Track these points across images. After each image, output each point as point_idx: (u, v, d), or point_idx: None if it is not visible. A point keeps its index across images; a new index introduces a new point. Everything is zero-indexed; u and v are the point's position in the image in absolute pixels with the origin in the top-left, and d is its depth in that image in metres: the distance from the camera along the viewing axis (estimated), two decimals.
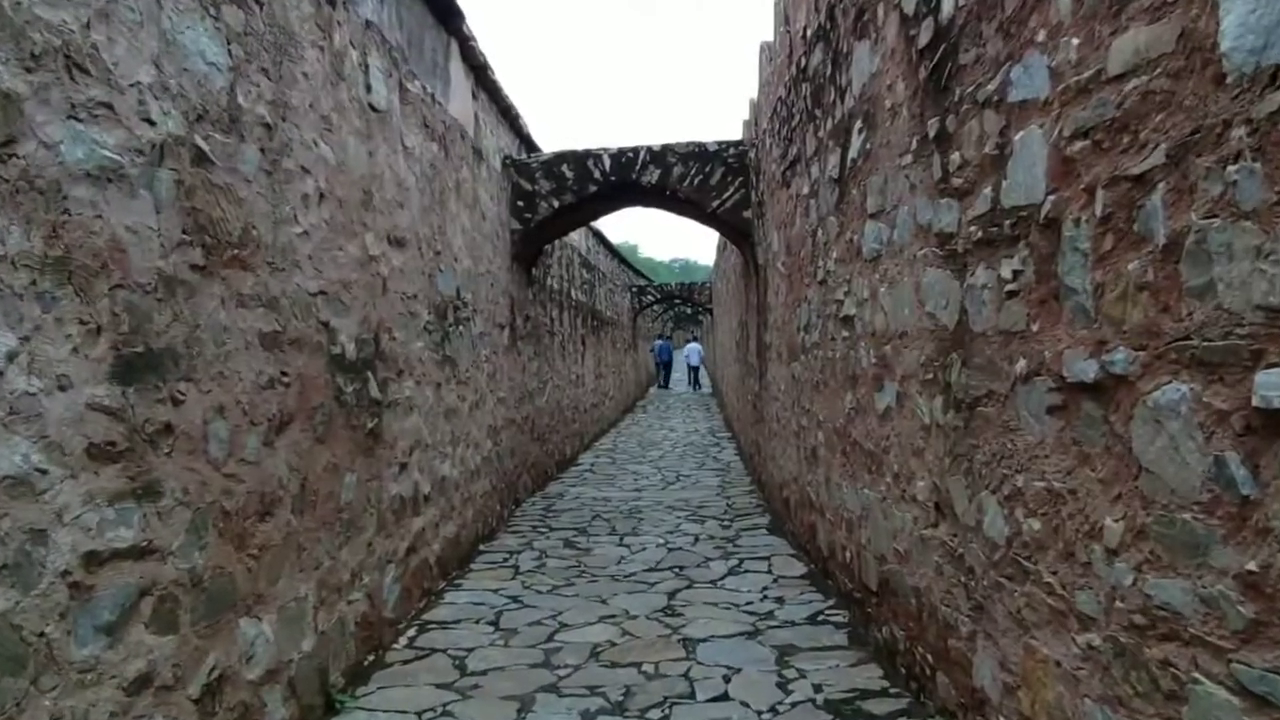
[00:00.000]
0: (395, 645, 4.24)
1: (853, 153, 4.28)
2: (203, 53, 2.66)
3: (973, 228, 2.74)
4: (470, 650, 4.17)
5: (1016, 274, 2.45)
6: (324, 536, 3.49)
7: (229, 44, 2.83)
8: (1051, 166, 2.26)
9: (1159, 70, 1.85)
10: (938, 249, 3.08)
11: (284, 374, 3.18)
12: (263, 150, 3.11)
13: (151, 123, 2.39)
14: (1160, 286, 1.83)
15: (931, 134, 3.12)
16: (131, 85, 2.29)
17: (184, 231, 2.58)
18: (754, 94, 8.63)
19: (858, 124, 4.18)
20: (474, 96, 7.29)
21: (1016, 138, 2.45)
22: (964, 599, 2.91)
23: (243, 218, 2.94)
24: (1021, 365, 2.41)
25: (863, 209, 4.09)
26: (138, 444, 2.28)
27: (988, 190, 2.64)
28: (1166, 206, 1.82)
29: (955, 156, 2.89)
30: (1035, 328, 2.35)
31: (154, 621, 2.33)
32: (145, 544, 2.30)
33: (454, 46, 6.51)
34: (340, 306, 3.76)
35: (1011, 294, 2.48)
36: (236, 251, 2.89)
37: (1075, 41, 2.15)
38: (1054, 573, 2.29)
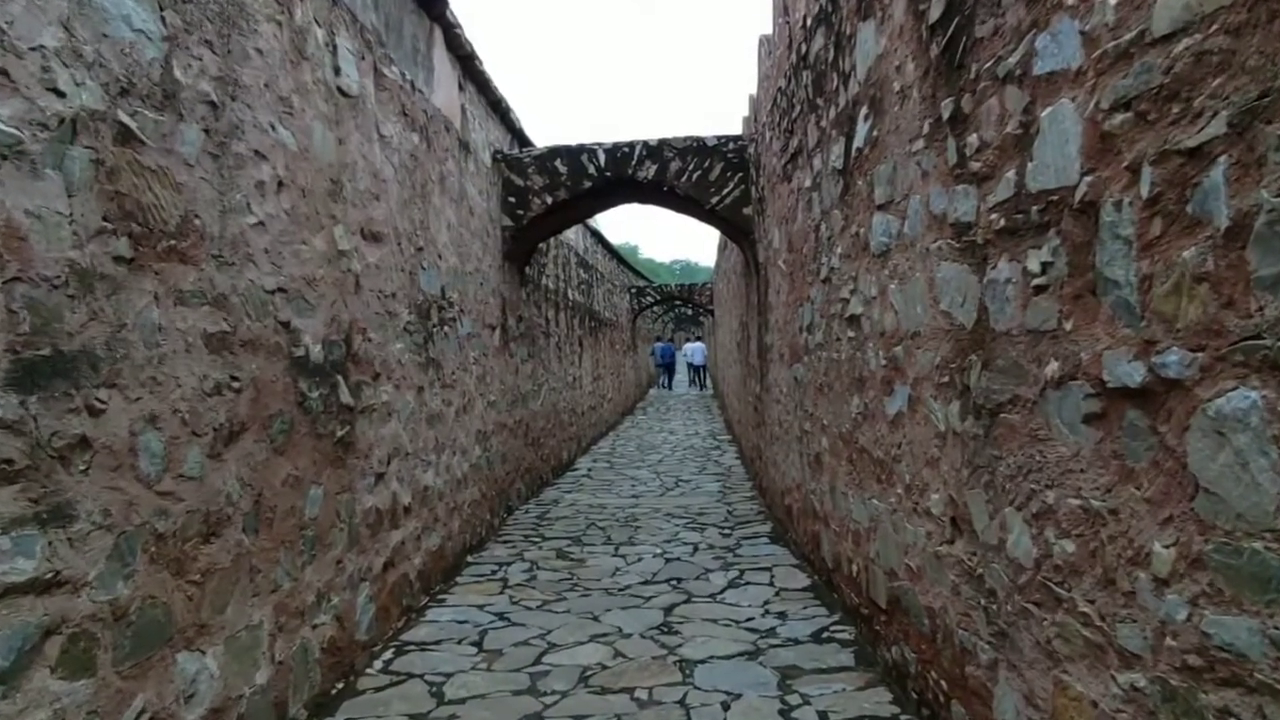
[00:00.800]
0: (369, 670, 3.95)
1: (858, 141, 3.99)
2: (127, 18, 2.38)
3: (994, 216, 2.45)
4: (450, 675, 3.88)
5: (1046, 266, 2.16)
6: (284, 556, 3.20)
7: (161, 10, 2.55)
8: (1087, 144, 1.97)
9: (1215, 27, 1.57)
10: (953, 241, 2.80)
11: (234, 379, 2.90)
12: (207, 131, 2.82)
13: (60, 94, 2.10)
14: (1222, 277, 1.55)
15: (945, 116, 2.84)
16: (33, 49, 2.01)
17: (105, 219, 2.29)
18: (753, 90, 8.37)
19: (863, 110, 3.89)
20: (460, 87, 7.02)
21: (1044, 114, 2.16)
22: (984, 624, 2.62)
23: (182, 205, 2.66)
24: (1053, 368, 2.13)
25: (869, 200, 3.80)
26: (43, 461, 2.00)
27: (1011, 174, 2.35)
28: (1229, 183, 1.54)
29: (973, 139, 2.61)
30: (1068, 326, 2.06)
31: (63, 664, 2.05)
32: (51, 576, 2.01)
33: (437, 34, 6.23)
34: (304, 305, 3.47)
35: (1040, 288, 2.19)
36: (174, 242, 2.60)
37: (1113, 1, 1.86)
38: (1091, 601, 2.00)
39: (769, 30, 8.24)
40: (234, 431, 2.88)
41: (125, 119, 2.41)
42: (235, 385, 2.90)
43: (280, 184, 3.34)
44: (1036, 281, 2.21)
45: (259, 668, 2.98)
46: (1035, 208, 2.20)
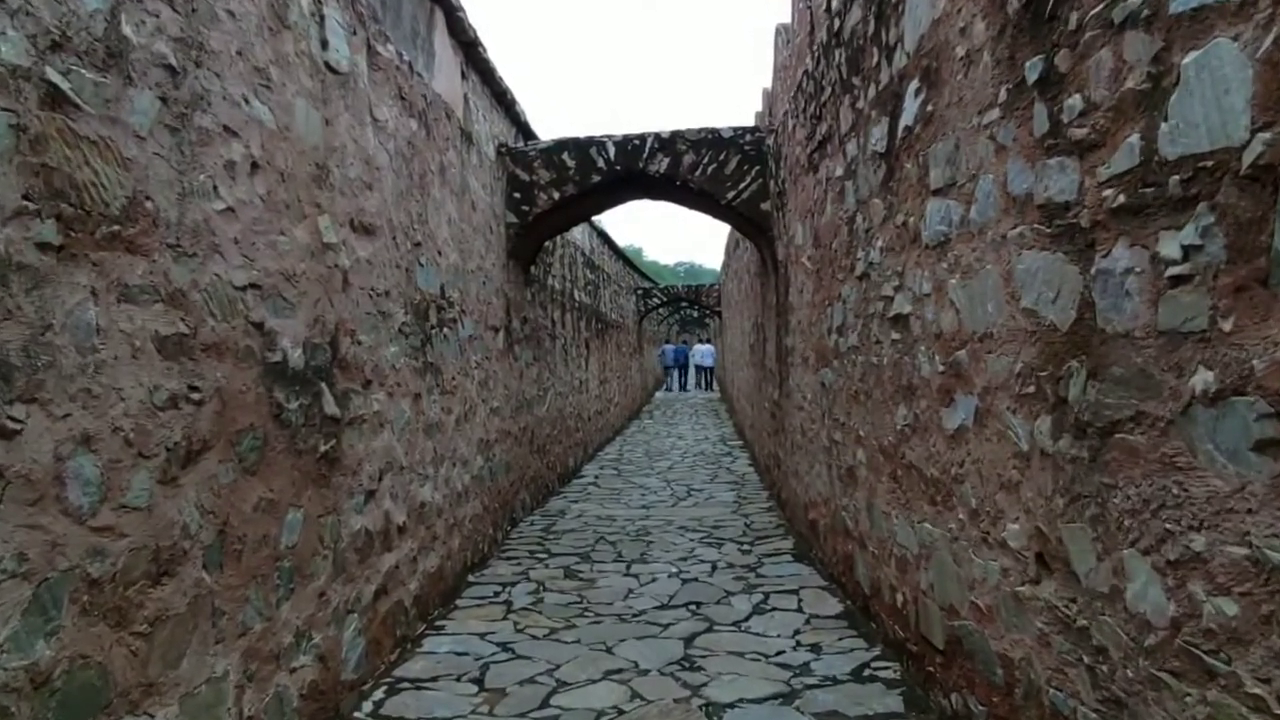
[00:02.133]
0: (356, 714, 3.51)
1: (906, 120, 3.56)
2: None
3: (1108, 192, 2.02)
4: (444, 718, 3.44)
5: (1190, 250, 1.73)
6: (254, 593, 2.77)
7: None
8: (1260, 91, 1.54)
9: None
10: (1042, 225, 2.36)
11: (194, 389, 2.47)
12: (164, 100, 2.40)
13: None
14: None
15: (1031, 78, 2.40)
16: None
17: (27, 197, 1.87)
18: (765, 83, 7.97)
19: (913, 85, 3.46)
20: (463, 76, 6.60)
21: (1186, 61, 1.73)
22: (1088, 686, 2.18)
23: (130, 184, 2.23)
24: (1204, 379, 1.69)
25: (922, 185, 3.37)
26: None
27: (1134, 139, 1.91)
28: None
29: (1073, 101, 2.17)
30: (1227, 326, 1.63)
31: None
32: None
33: (438, 16, 5.81)
34: (281, 304, 3.04)
35: (1180, 279, 1.76)
36: (118, 228, 2.18)
37: None
38: (1264, 680, 1.57)
39: (778, 22, 7.85)
40: (193, 451, 2.45)
41: (55, 78, 1.99)
42: (195, 397, 2.47)
43: (255, 165, 2.92)
44: (1175, 270, 1.77)
45: None
46: (1175, 177, 1.76)
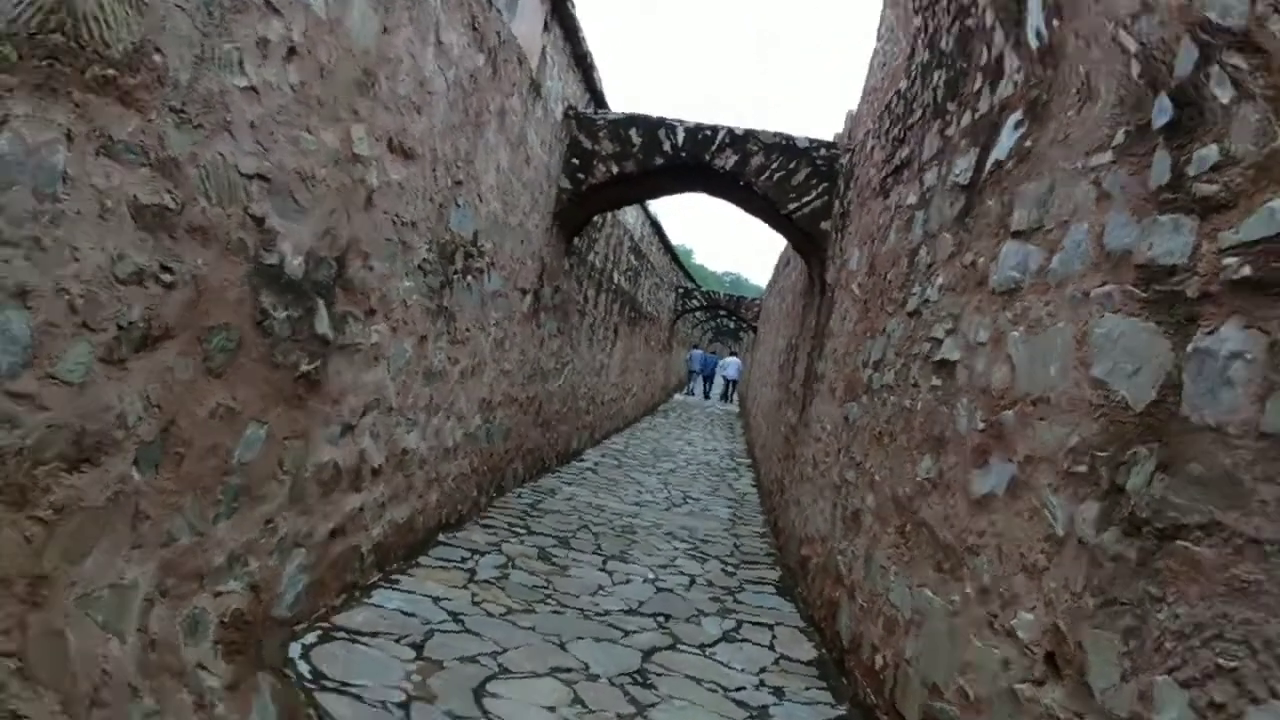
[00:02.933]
0: (281, 654, 3.28)
1: (998, 153, 3.26)
2: None
3: (1230, 260, 1.72)
4: (365, 686, 3.18)
5: None
6: (190, 503, 2.54)
7: None
8: None
9: None
10: (1137, 287, 2.06)
11: (166, 269, 2.24)
12: None
13: None
14: None
15: (1159, 123, 2.10)
16: None
17: None
18: (853, 105, 7.67)
19: (1014, 116, 3.16)
20: (545, 27, 6.36)
21: None
22: None
23: (140, 30, 2.00)
24: None
25: (1002, 225, 3.07)
26: None
27: (1276, 202, 1.62)
28: None
29: (1207, 152, 1.87)
30: None
31: None
32: None
33: None
34: (290, 205, 2.81)
35: None
36: (114, 73, 1.95)
37: None
38: None
39: (874, 45, 7.53)
40: (151, 336, 2.22)
41: None
42: (166, 278, 2.24)
43: (292, 50, 2.69)
44: None
45: (122, 640, 2.32)
46: None
